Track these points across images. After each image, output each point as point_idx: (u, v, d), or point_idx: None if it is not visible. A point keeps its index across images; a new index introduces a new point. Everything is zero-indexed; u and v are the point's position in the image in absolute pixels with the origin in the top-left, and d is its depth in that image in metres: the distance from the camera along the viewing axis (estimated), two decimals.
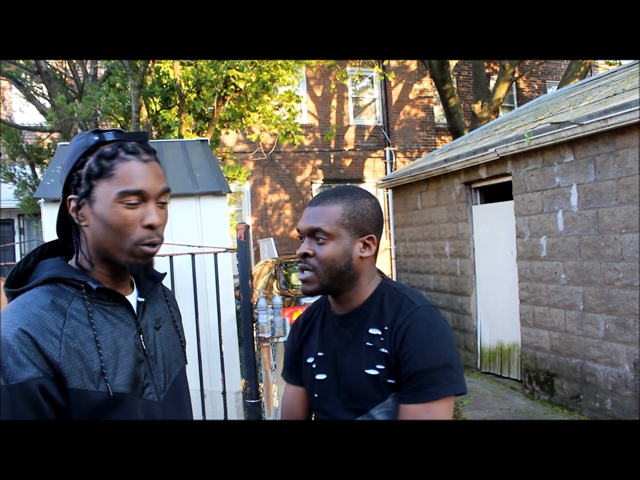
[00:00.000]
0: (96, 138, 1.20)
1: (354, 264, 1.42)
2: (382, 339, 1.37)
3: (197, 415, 3.46)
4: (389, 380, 1.35)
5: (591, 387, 5.40)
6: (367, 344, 1.39)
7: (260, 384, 3.42)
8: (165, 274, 1.41)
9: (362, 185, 15.41)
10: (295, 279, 8.09)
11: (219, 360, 3.48)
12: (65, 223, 1.27)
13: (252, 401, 3.36)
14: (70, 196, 1.21)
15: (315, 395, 1.50)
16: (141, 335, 1.25)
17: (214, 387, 3.58)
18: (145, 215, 1.19)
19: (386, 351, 1.36)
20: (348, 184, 1.62)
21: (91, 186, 1.18)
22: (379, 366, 1.36)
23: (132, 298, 1.29)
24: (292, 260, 8.83)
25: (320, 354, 1.50)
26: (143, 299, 1.30)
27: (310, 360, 1.52)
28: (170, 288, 3.35)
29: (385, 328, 1.38)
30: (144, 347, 1.25)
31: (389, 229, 14.44)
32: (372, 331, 1.40)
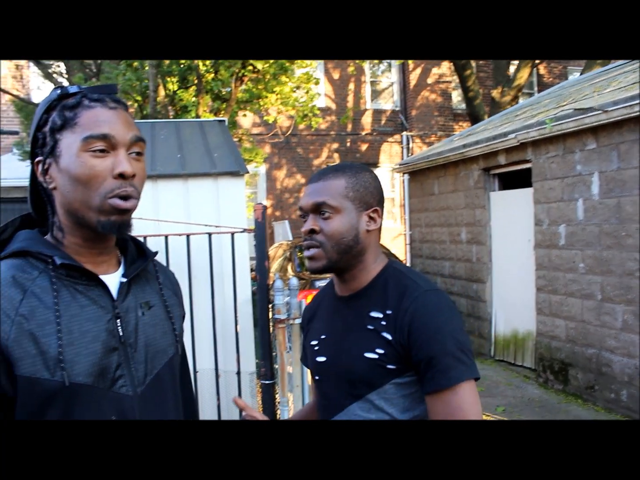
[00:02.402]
0: (58, 92, 1.10)
1: (361, 238, 1.38)
2: (383, 322, 1.33)
3: (211, 394, 3.47)
4: (389, 366, 1.31)
5: (606, 378, 5.35)
6: (368, 327, 1.35)
7: (275, 365, 3.42)
8: (157, 252, 1.29)
9: (378, 170, 15.34)
10: None
11: (234, 340, 3.48)
12: (38, 192, 1.16)
13: (267, 382, 3.36)
14: (37, 159, 1.11)
15: (317, 378, 1.48)
16: (118, 320, 1.11)
17: (228, 367, 3.59)
18: (115, 164, 1.06)
19: (388, 336, 1.31)
20: (345, 162, 1.57)
21: (55, 141, 1.07)
22: (378, 350, 1.31)
23: (115, 277, 1.16)
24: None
25: (323, 336, 1.47)
26: (126, 279, 1.16)
27: (313, 342, 1.50)
28: (187, 268, 3.34)
29: (388, 312, 1.33)
30: (120, 334, 1.10)
31: (404, 214, 14.39)
32: (374, 314, 1.35)
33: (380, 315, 1.34)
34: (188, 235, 3.38)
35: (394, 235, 14.58)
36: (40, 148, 1.10)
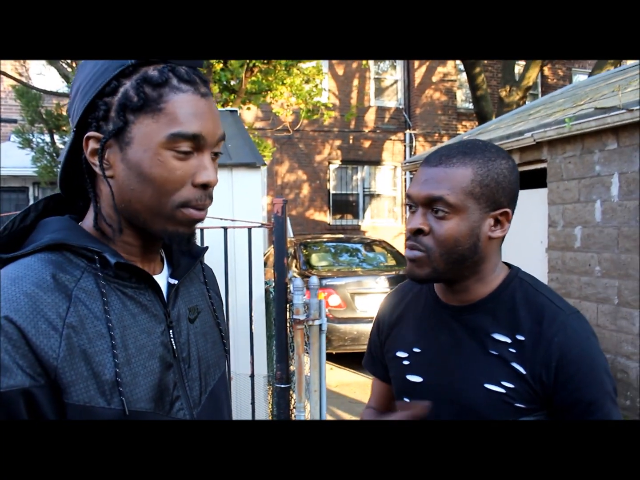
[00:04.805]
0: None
1: (480, 247, 1.09)
2: (513, 350, 1.08)
3: None
4: (518, 404, 1.07)
5: (622, 385, 5.20)
6: (492, 352, 1.09)
7: (291, 368, 3.25)
8: (207, 248, 1.08)
9: (381, 168, 15.16)
10: (315, 259, 7.89)
11: (248, 341, 3.31)
12: (75, 169, 0.91)
13: (282, 386, 3.19)
14: (91, 133, 0.85)
15: (406, 400, 1.20)
16: (171, 331, 0.91)
17: (241, 370, 3.42)
18: (199, 170, 0.85)
19: (521, 369, 1.06)
20: (476, 139, 1.19)
21: (126, 122, 0.83)
22: (506, 384, 1.07)
23: (162, 279, 0.95)
24: (309, 240, 8.61)
25: (416, 349, 1.20)
26: (176, 281, 0.95)
27: (401, 354, 1.23)
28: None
29: (520, 337, 1.08)
30: (174, 347, 0.91)
31: (406, 212, 14.19)
32: (498, 337, 1.10)
33: (508, 340, 1.09)
34: (202, 230, 3.20)
35: (395, 234, 14.42)
36: (97, 120, 0.85)
